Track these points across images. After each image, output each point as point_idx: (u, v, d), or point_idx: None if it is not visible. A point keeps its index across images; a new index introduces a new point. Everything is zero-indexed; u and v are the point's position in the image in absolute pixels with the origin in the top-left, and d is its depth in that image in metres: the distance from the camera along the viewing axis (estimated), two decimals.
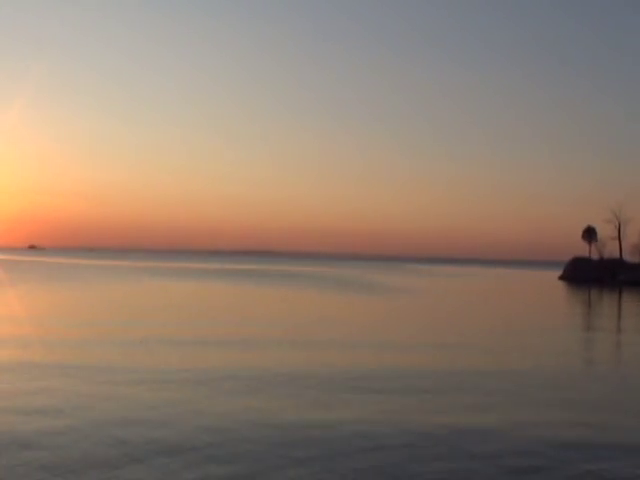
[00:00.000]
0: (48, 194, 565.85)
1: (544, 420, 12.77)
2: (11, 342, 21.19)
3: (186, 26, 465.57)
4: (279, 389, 14.94)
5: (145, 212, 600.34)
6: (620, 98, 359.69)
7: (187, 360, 18.61)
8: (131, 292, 48.93)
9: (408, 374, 17.52)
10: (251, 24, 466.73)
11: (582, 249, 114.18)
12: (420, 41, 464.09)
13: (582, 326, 33.85)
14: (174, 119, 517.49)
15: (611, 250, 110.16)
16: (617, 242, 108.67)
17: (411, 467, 9.65)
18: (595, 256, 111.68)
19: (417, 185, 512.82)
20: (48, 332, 23.83)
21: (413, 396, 14.69)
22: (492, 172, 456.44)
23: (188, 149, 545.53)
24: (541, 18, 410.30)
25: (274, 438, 10.90)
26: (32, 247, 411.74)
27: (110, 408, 12.66)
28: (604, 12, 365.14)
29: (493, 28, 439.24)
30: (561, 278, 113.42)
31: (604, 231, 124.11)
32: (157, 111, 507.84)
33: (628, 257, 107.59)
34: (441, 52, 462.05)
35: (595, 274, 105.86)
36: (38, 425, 11.26)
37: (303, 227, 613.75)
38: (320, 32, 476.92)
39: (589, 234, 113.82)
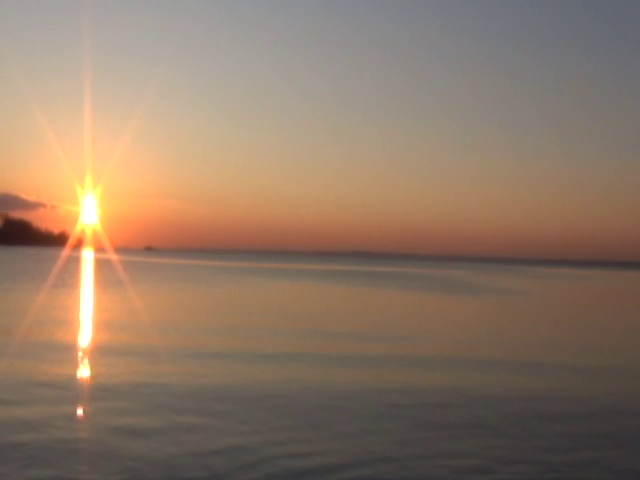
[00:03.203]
0: (163, 197, 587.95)
1: None
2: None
3: (290, 31, 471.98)
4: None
5: (251, 213, 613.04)
6: None
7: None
8: (257, 291, 49.11)
9: None
10: (343, 25, 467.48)
11: None
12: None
13: None
14: (277, 122, 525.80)
15: None
16: None
17: None
18: None
19: (524, 186, 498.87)
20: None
21: None
22: (604, 174, 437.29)
23: (288, 151, 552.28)
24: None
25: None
26: (148, 248, 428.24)
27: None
28: None
29: (568, 17, 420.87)
30: None
31: None
32: (263, 114, 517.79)
33: None
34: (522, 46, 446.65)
35: None
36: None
37: (404, 227, 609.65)
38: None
39: None
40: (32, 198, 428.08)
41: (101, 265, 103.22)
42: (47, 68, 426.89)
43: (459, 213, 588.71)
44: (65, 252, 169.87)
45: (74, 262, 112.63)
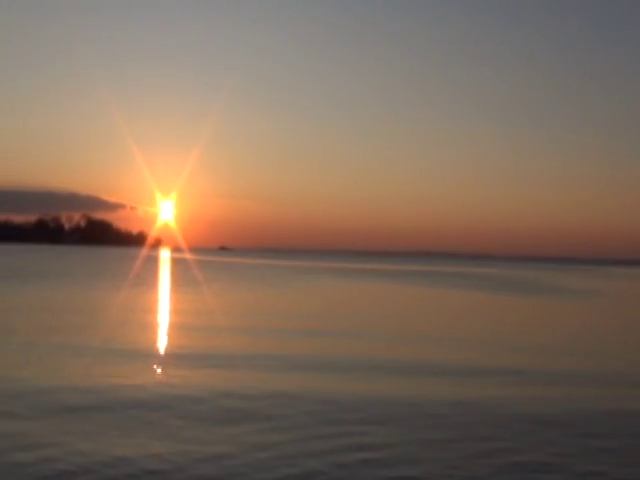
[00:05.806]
0: (237, 197, 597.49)
1: None
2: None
3: (368, 26, 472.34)
4: None
5: (323, 214, 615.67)
6: None
7: None
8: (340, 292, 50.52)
9: None
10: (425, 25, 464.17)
11: None
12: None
13: None
14: (351, 122, 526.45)
15: None
16: None
17: None
18: None
19: (581, 184, 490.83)
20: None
21: None
22: None
23: (359, 153, 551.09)
24: None
25: None
26: (222, 248, 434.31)
27: None
28: None
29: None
30: None
31: None
32: (334, 112, 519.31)
33: None
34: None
35: None
36: None
37: (466, 227, 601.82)
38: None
39: None
40: (113, 199, 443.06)
41: (177, 264, 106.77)
42: (127, 77, 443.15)
43: (523, 213, 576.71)
44: (143, 251, 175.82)
45: (152, 261, 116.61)
